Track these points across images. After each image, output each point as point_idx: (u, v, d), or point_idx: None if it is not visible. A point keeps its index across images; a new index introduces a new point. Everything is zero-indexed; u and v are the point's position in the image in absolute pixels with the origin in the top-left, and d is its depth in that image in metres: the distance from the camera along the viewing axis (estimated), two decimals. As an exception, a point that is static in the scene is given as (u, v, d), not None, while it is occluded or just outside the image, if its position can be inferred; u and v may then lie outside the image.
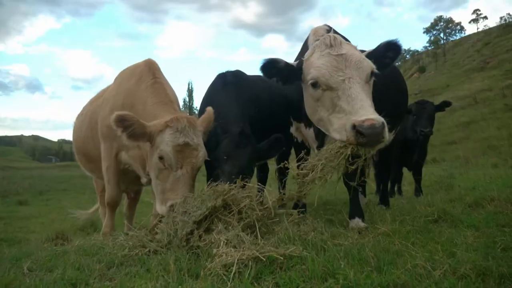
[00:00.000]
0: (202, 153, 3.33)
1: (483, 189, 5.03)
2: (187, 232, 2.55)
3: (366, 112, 2.70)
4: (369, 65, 3.04)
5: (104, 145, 4.00)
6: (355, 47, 3.19)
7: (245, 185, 3.17)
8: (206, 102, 4.34)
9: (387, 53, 3.29)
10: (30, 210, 15.16)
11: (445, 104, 6.49)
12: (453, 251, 2.46)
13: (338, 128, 2.86)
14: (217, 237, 2.42)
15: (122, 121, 3.19)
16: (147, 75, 3.78)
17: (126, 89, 3.88)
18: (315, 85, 3.06)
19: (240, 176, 3.32)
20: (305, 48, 3.81)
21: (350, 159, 2.87)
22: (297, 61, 3.39)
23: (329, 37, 3.16)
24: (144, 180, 3.91)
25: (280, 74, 3.34)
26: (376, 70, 3.09)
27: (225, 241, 2.33)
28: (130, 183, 4.48)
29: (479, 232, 3.05)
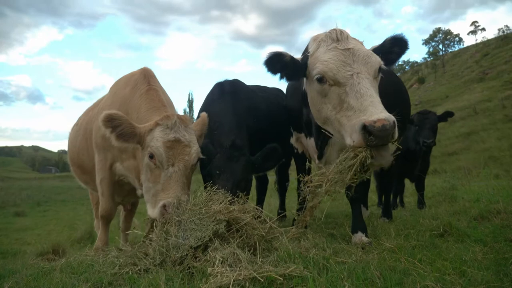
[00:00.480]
0: (194, 149, 3.15)
1: (487, 201, 4.92)
2: (182, 256, 2.40)
3: (376, 110, 2.54)
4: (377, 60, 2.90)
5: (99, 156, 3.87)
6: (361, 43, 3.06)
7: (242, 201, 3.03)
8: (202, 111, 4.25)
9: (393, 48, 3.14)
10: (27, 222, 15.02)
11: (448, 115, 6.38)
12: (464, 270, 2.32)
13: (350, 131, 2.67)
14: (212, 254, 2.26)
15: (111, 121, 3.05)
16: (142, 83, 3.68)
17: (121, 97, 3.78)
18: (321, 80, 2.89)
19: (235, 191, 3.20)
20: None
21: (362, 168, 2.73)
22: (302, 56, 3.22)
23: (335, 31, 3.01)
24: (140, 192, 3.78)
25: (285, 69, 3.14)
26: (384, 66, 2.96)
27: (221, 259, 2.18)
28: (125, 195, 4.34)
29: (487, 247, 2.91)
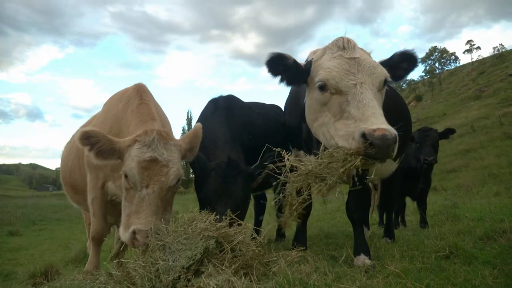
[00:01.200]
0: (173, 170, 2.92)
1: (491, 220, 4.83)
2: (174, 278, 2.24)
3: (378, 121, 2.41)
4: (383, 72, 2.79)
5: (90, 175, 3.75)
6: (369, 54, 2.96)
7: (237, 221, 2.87)
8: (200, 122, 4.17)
9: (402, 64, 3.05)
10: (21, 241, 14.72)
11: (449, 131, 6.30)
12: (475, 296, 2.19)
13: (345, 135, 2.52)
14: (206, 281, 2.11)
15: (88, 138, 2.90)
16: (134, 98, 3.56)
17: (113, 114, 3.68)
18: (323, 88, 2.78)
19: (237, 209, 3.08)
20: None
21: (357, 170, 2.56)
22: (306, 62, 3.11)
23: (342, 39, 2.91)
24: None
25: (287, 72, 3.01)
26: (390, 79, 2.85)
27: (215, 286, 2.03)
28: (119, 216, 4.18)
29: (497, 270, 2.77)
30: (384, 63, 2.95)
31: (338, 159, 2.49)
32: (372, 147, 2.30)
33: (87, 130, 2.92)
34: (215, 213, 2.89)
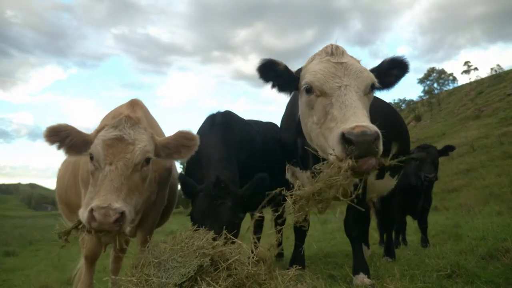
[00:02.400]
0: (139, 147, 2.80)
1: (494, 239, 4.74)
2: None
3: (357, 119, 2.36)
4: (370, 76, 2.77)
5: (84, 192, 3.68)
6: (358, 61, 2.94)
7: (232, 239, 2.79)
8: None
9: (392, 70, 3.02)
10: (17, 262, 14.45)
11: (449, 149, 6.27)
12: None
13: (332, 144, 2.43)
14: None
15: (56, 134, 2.77)
16: (125, 111, 3.50)
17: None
18: (309, 90, 2.76)
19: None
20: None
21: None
22: (297, 69, 3.12)
23: (331, 46, 2.93)
24: (127, 229, 3.57)
25: (277, 78, 3.02)
26: (378, 84, 2.82)
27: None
28: (115, 234, 4.10)
29: (500, 290, 2.71)
30: (374, 70, 2.94)
31: (333, 176, 2.36)
32: (352, 146, 2.24)
33: (53, 126, 2.81)
34: (213, 231, 2.79)
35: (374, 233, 7.96)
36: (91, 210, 2.46)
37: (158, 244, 2.58)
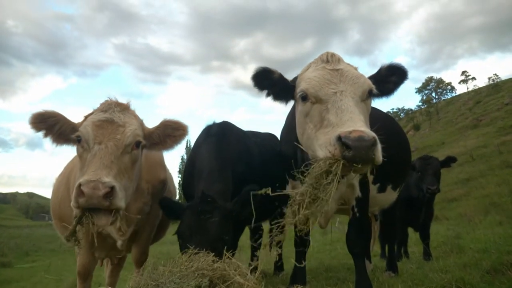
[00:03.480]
0: (130, 129, 2.74)
1: (497, 252, 4.67)
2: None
3: (355, 124, 2.30)
4: (367, 82, 2.71)
5: None
6: (355, 68, 2.88)
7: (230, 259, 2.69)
8: (190, 154, 4.03)
9: (391, 77, 2.96)
10: (13, 273, 14.27)
11: (451, 160, 6.19)
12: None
13: (323, 144, 2.37)
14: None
15: (43, 121, 2.68)
16: None
17: None
18: (304, 98, 2.70)
19: (216, 250, 2.84)
20: None
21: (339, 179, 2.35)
22: (293, 78, 3.05)
23: (326, 54, 2.88)
24: (119, 243, 3.45)
25: (272, 87, 2.96)
26: (375, 91, 2.75)
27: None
28: (109, 250, 3.97)
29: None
30: (372, 78, 2.89)
31: (319, 174, 2.32)
32: (349, 150, 2.17)
33: (41, 111, 2.73)
34: (214, 253, 2.69)
35: (374, 247, 7.87)
36: (79, 186, 2.32)
37: (158, 267, 2.49)
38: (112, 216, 2.46)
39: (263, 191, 2.73)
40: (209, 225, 3.05)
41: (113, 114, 2.77)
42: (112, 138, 2.64)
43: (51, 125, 2.75)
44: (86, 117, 2.88)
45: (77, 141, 2.71)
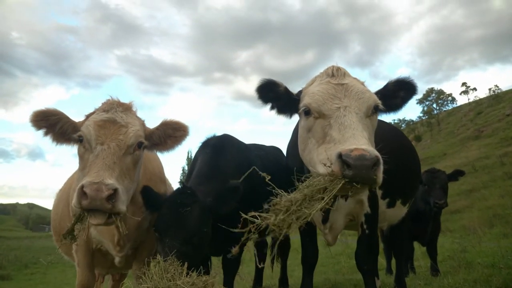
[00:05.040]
0: (132, 129, 2.69)
1: (506, 267, 4.61)
2: None
3: (357, 142, 2.23)
4: (372, 98, 2.63)
5: None
6: (362, 82, 2.81)
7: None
8: (190, 166, 3.96)
9: (399, 92, 2.86)
10: (12, 286, 14.12)
11: (458, 173, 6.13)
12: None
13: (324, 160, 2.31)
14: None
15: (45, 119, 2.63)
16: None
17: None
18: (307, 113, 2.64)
19: (188, 249, 2.80)
20: None
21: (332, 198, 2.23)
22: (298, 91, 2.98)
23: (332, 68, 2.81)
24: (117, 260, 3.36)
25: (277, 100, 2.89)
26: (382, 106, 2.67)
27: None
28: (109, 267, 3.86)
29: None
30: (379, 93, 2.82)
31: (316, 188, 2.25)
32: (349, 169, 2.09)
33: (43, 109, 2.67)
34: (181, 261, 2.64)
35: (381, 259, 7.74)
36: (82, 187, 2.29)
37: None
38: (108, 217, 2.41)
39: (263, 174, 2.69)
40: (188, 217, 2.96)
41: (115, 114, 2.73)
42: (115, 138, 2.60)
43: (52, 123, 2.71)
44: (87, 116, 2.83)
45: (79, 140, 2.67)
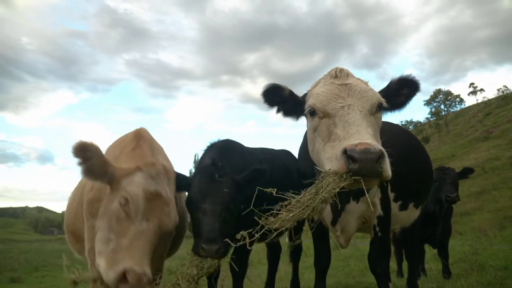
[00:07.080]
0: (174, 213, 2.73)
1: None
2: None
3: (362, 137, 2.30)
4: (376, 96, 2.69)
5: (87, 223, 3.46)
6: (366, 82, 2.86)
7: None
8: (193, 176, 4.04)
9: (402, 90, 2.93)
10: (22, 289, 14.26)
11: (468, 171, 6.11)
12: None
13: (330, 157, 2.40)
14: None
15: (83, 151, 2.64)
16: (131, 143, 3.37)
17: (112, 159, 3.50)
18: (312, 113, 2.72)
19: (226, 216, 2.96)
20: None
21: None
22: (303, 94, 3.06)
23: (335, 69, 2.89)
24: None
25: (282, 103, 2.99)
26: (386, 104, 2.73)
27: None
28: None
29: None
30: (382, 91, 2.87)
31: (324, 184, 2.35)
32: (355, 163, 2.17)
33: (86, 142, 2.71)
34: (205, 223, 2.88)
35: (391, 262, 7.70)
36: (123, 272, 2.33)
37: None
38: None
39: (269, 190, 2.76)
40: (220, 188, 3.12)
41: (161, 185, 2.74)
42: (158, 216, 2.64)
43: (87, 158, 2.70)
44: (127, 171, 2.79)
45: (122, 203, 2.64)
